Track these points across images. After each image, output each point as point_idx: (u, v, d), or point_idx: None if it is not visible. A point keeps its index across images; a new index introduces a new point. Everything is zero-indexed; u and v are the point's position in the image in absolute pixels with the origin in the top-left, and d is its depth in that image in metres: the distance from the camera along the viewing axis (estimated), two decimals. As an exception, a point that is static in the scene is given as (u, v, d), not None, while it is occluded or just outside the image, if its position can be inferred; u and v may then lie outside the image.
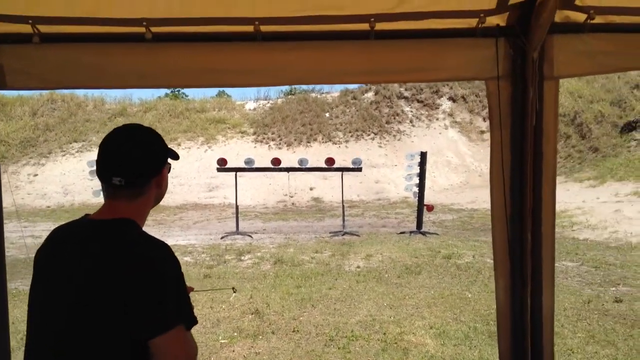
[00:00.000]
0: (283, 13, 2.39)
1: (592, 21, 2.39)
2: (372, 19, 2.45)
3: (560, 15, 2.46)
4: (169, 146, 1.68)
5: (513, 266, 2.63)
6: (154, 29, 2.40)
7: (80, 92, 26.16)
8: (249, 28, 2.44)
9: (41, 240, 1.64)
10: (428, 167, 21.18)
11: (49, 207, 18.24)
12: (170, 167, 1.70)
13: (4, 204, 2.31)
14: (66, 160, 21.52)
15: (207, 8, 2.33)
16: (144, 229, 1.61)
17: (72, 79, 2.45)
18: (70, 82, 2.51)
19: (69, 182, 19.84)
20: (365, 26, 2.48)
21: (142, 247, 1.50)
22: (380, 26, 2.49)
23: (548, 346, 2.65)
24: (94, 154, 15.60)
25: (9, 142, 22.11)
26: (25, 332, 1.58)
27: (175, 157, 1.71)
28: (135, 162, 1.55)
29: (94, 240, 1.51)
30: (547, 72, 2.53)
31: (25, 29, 2.30)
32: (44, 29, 2.32)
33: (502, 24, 2.53)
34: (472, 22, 2.52)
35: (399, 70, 2.62)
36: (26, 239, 11.17)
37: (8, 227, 14.01)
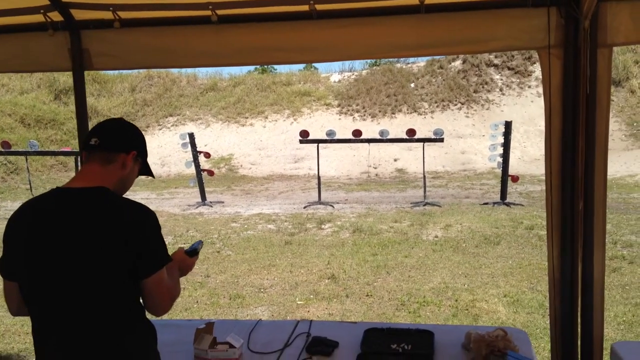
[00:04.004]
0: (336, -9, 2.56)
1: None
2: (422, -6, 2.56)
3: (613, -18, 2.46)
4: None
5: (564, 233, 2.69)
6: (219, 12, 2.65)
7: (174, 69, 27.39)
8: (305, 7, 2.63)
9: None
10: (518, 137, 20.60)
11: (147, 177, 19.50)
12: (139, 165, 1.96)
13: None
14: (162, 133, 22.78)
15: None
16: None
17: (149, 59, 2.77)
18: (147, 62, 2.83)
19: (165, 154, 21.03)
20: (415, 1, 2.60)
21: (130, 202, 1.76)
22: (430, 0, 2.60)
23: (598, 312, 2.70)
24: (188, 128, 16.35)
25: (110, 116, 23.71)
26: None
27: (150, 174, 2.06)
28: (110, 130, 1.87)
29: (81, 204, 1.72)
30: (601, 39, 2.53)
31: (107, 15, 2.62)
32: (123, 14, 2.64)
33: (553, -8, 2.56)
34: (523, -8, 2.57)
35: (450, 43, 2.71)
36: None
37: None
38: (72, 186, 1.77)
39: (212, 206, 12.98)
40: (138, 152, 1.90)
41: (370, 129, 18.76)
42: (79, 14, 2.69)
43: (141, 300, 1.79)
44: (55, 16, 2.67)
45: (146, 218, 1.74)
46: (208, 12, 2.65)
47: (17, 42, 2.74)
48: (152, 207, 1.80)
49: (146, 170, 2.03)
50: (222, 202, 13.61)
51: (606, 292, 6.02)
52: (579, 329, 2.70)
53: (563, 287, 2.73)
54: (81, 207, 1.72)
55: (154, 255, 1.74)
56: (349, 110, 22.98)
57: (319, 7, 2.66)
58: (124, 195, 1.84)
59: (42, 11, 2.62)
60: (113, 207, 1.73)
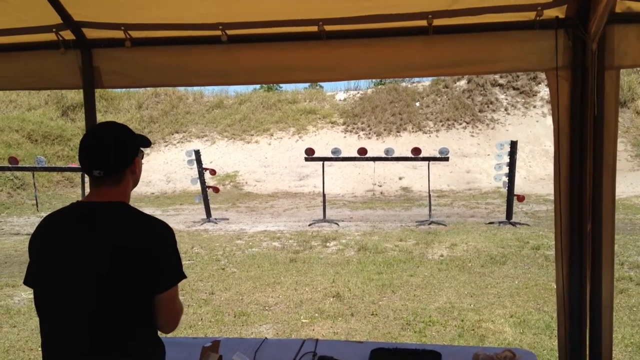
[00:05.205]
0: (345, 13, 2.58)
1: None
2: (430, 16, 2.59)
3: (621, 6, 2.48)
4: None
5: (572, 255, 2.68)
6: (229, 32, 2.68)
7: (181, 87, 27.58)
8: (314, 28, 2.66)
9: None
10: (524, 156, 20.59)
11: (153, 193, 19.54)
12: (143, 154, 1.93)
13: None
14: (168, 150, 22.90)
15: (275, 11, 2.58)
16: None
17: (159, 78, 2.80)
18: (157, 81, 2.86)
19: (171, 170, 21.12)
20: (423, 23, 2.62)
21: (151, 217, 1.78)
22: (438, 22, 2.62)
23: (607, 333, 2.68)
24: (193, 144, 16.42)
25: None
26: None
27: (147, 144, 1.94)
28: (109, 157, 1.77)
29: (106, 217, 1.73)
30: (608, 61, 2.55)
31: (118, 34, 2.66)
32: (134, 34, 2.67)
33: (561, 15, 2.57)
34: (530, 15, 2.58)
35: (458, 63, 2.73)
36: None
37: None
38: (92, 200, 1.79)
39: (217, 223, 12.98)
40: (138, 153, 1.90)
41: (375, 147, 18.77)
42: (90, 33, 2.72)
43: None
44: (67, 35, 2.70)
45: (167, 233, 1.76)
46: (218, 32, 2.68)
47: (29, 60, 2.77)
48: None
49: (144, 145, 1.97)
50: (227, 219, 13.61)
51: (614, 314, 5.99)
52: (587, 351, 2.68)
53: (572, 308, 2.71)
54: (100, 220, 1.73)
55: (172, 270, 1.75)
56: (354, 129, 23.07)
57: (327, 28, 2.68)
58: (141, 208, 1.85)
59: (54, 30, 2.66)
60: (134, 222, 1.75)
